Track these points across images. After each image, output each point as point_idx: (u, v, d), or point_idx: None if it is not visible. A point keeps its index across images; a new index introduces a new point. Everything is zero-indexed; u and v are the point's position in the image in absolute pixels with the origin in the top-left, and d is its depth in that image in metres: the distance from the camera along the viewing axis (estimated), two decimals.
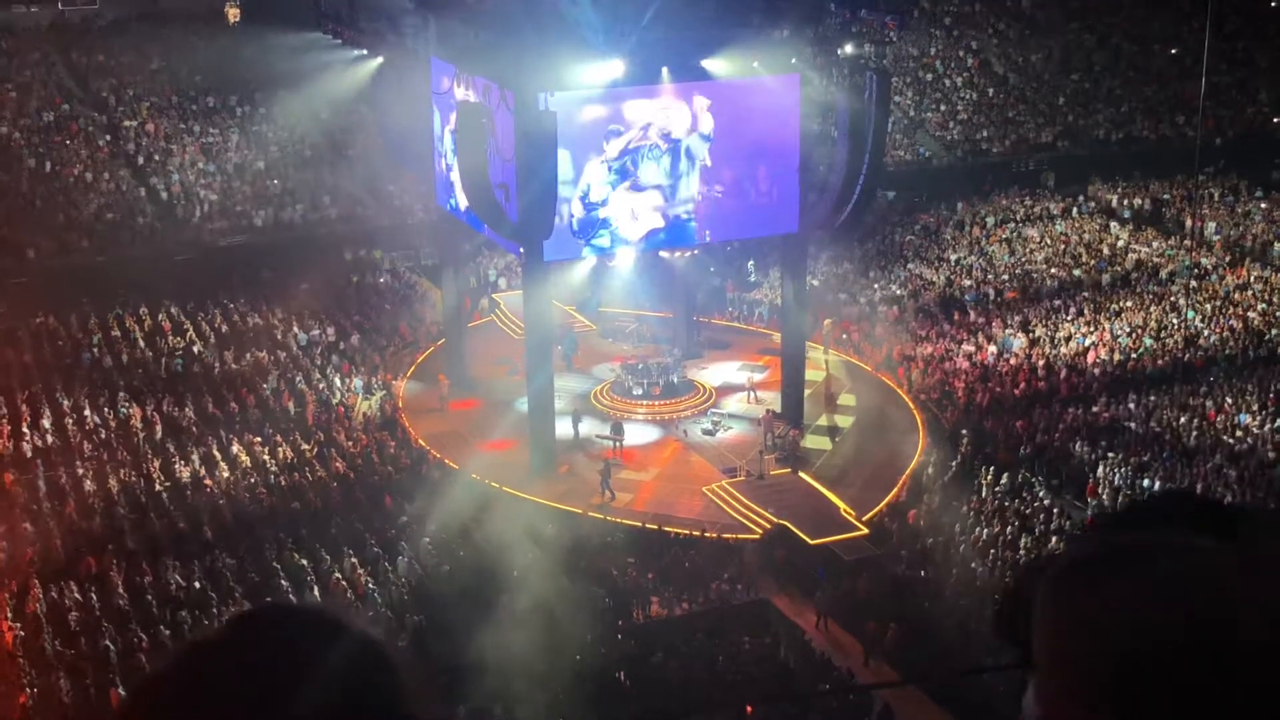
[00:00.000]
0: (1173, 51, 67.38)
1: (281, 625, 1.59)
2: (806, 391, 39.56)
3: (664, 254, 40.19)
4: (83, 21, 58.39)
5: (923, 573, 30.77)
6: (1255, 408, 38.40)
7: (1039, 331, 44.33)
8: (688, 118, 36.16)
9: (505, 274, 48.96)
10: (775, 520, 33.06)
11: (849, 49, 36.69)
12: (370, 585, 29.88)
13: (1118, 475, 34.85)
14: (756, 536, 32.83)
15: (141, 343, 42.47)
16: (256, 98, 53.23)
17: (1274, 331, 44.07)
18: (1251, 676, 1.42)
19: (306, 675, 1.52)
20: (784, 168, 36.99)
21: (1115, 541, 1.57)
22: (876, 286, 48.89)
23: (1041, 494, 34.11)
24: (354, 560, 30.71)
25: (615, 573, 30.76)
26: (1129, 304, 46.80)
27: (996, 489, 33.93)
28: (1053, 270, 50.11)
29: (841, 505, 34.02)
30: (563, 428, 37.21)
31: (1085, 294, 48.05)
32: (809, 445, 37.53)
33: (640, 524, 33.19)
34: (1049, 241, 53.08)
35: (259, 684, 1.51)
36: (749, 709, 25.31)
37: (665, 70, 35.62)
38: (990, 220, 55.45)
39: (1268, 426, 37.19)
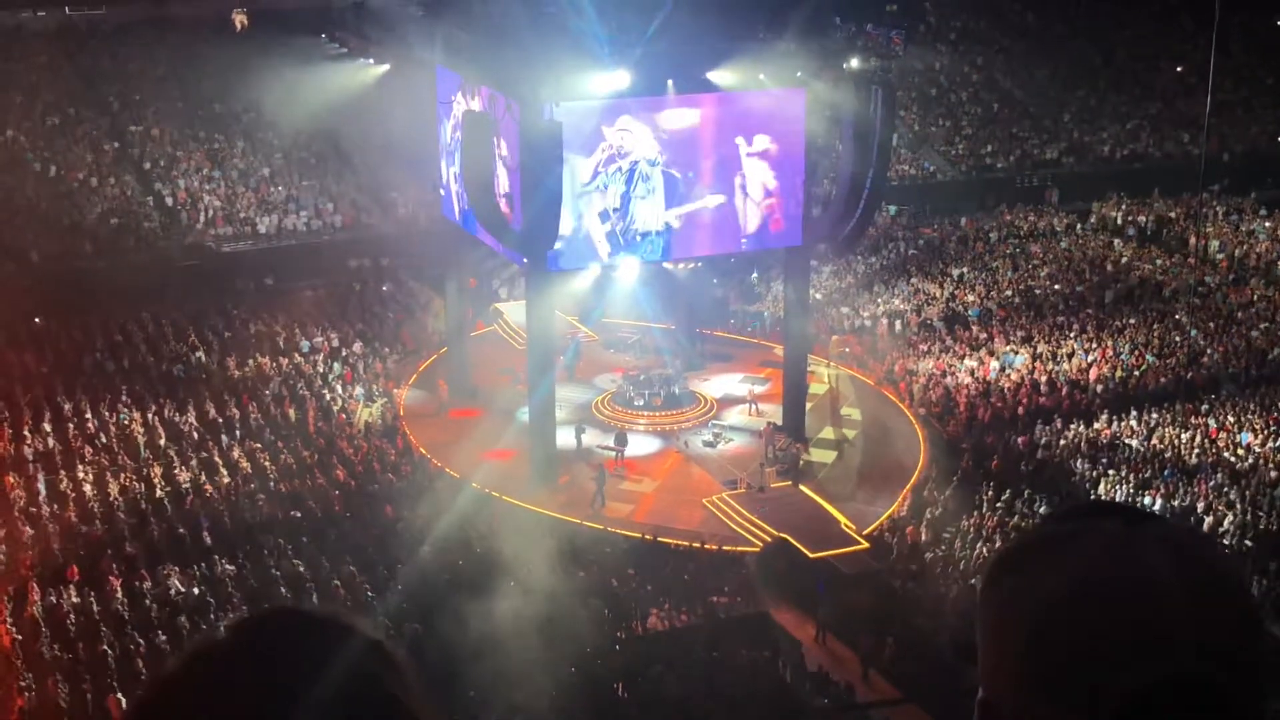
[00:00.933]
0: (1178, 69, 67.44)
1: (288, 628, 1.59)
2: (808, 405, 39.50)
3: (666, 265, 40.18)
4: (89, 26, 58.45)
5: (917, 586, 30.69)
6: (1257, 426, 38.36)
7: (1041, 347, 44.30)
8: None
9: (507, 284, 48.93)
10: (775, 533, 33.01)
11: (854, 63, 36.63)
12: (369, 593, 29.85)
13: (1119, 492, 34.81)
14: (756, 549, 32.78)
15: (144, 348, 42.48)
16: (262, 105, 53.28)
17: (1277, 350, 44.02)
18: (1141, 633, 1.52)
19: (315, 679, 1.51)
20: (788, 181, 36.99)
21: (1030, 535, 1.68)
22: (880, 301, 48.87)
23: (1042, 510, 34.04)
24: (353, 568, 30.68)
25: (614, 584, 30.70)
26: (1132, 321, 46.76)
27: (997, 505, 33.87)
28: (1056, 286, 50.08)
29: (842, 519, 33.97)
30: (566, 438, 37.21)
31: (1088, 310, 48.02)
32: (810, 458, 37.46)
33: (640, 535, 33.15)
34: (1052, 258, 53.06)
35: (267, 688, 1.50)
36: None
37: (670, 82, 35.62)
38: (994, 235, 55.45)
39: (1269, 445, 37.14)
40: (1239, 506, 33.91)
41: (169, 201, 50.62)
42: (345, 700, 1.52)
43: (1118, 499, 34.36)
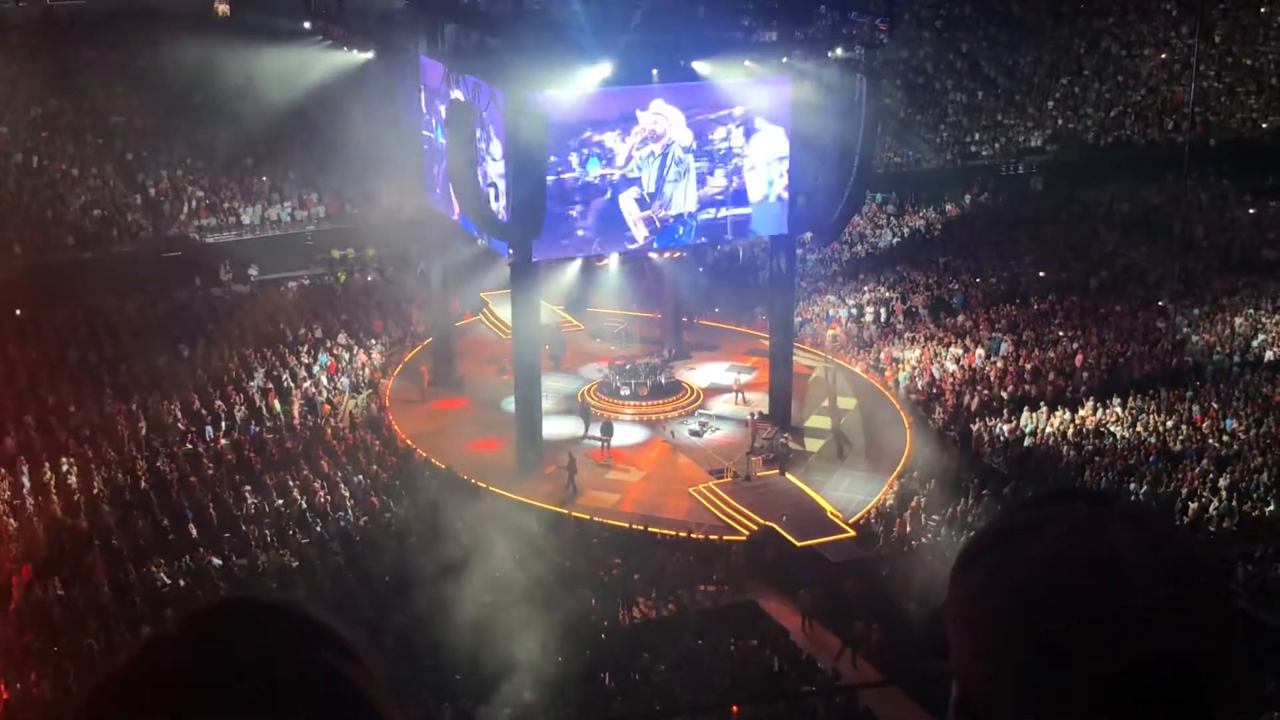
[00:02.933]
0: (1162, 56, 67.53)
1: (243, 618, 1.52)
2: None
3: (652, 255, 40.15)
4: (71, 16, 58.17)
5: (901, 572, 30.73)
6: (1242, 413, 38.48)
7: (1026, 335, 44.37)
8: (677, 120, 36.09)
9: (493, 274, 48.79)
10: (762, 522, 33.02)
11: (839, 51, 36.59)
12: (355, 584, 29.80)
13: (1104, 479, 34.90)
14: (743, 538, 32.79)
15: (127, 339, 42.30)
16: (244, 95, 53.10)
17: (1261, 337, 44.16)
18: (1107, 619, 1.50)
19: (270, 670, 1.46)
20: (773, 170, 36.97)
21: (994, 524, 1.66)
22: (866, 289, 48.89)
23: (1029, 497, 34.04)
24: (339, 559, 30.63)
25: (601, 574, 30.70)
26: (1117, 308, 46.87)
27: (984, 492, 33.92)
28: (1041, 274, 50.13)
29: (828, 507, 34.00)
30: (552, 427, 37.22)
31: (1073, 298, 48.12)
32: (796, 446, 37.46)
33: (627, 525, 33.15)
34: (1037, 245, 53.10)
35: (220, 680, 1.44)
36: (734, 710, 25.25)
37: (655, 72, 35.57)
38: (979, 223, 55.47)
39: (1254, 432, 37.25)
40: (1224, 493, 34.02)
41: (152, 192, 50.42)
42: (302, 691, 1.46)
43: (1103, 486, 34.46)
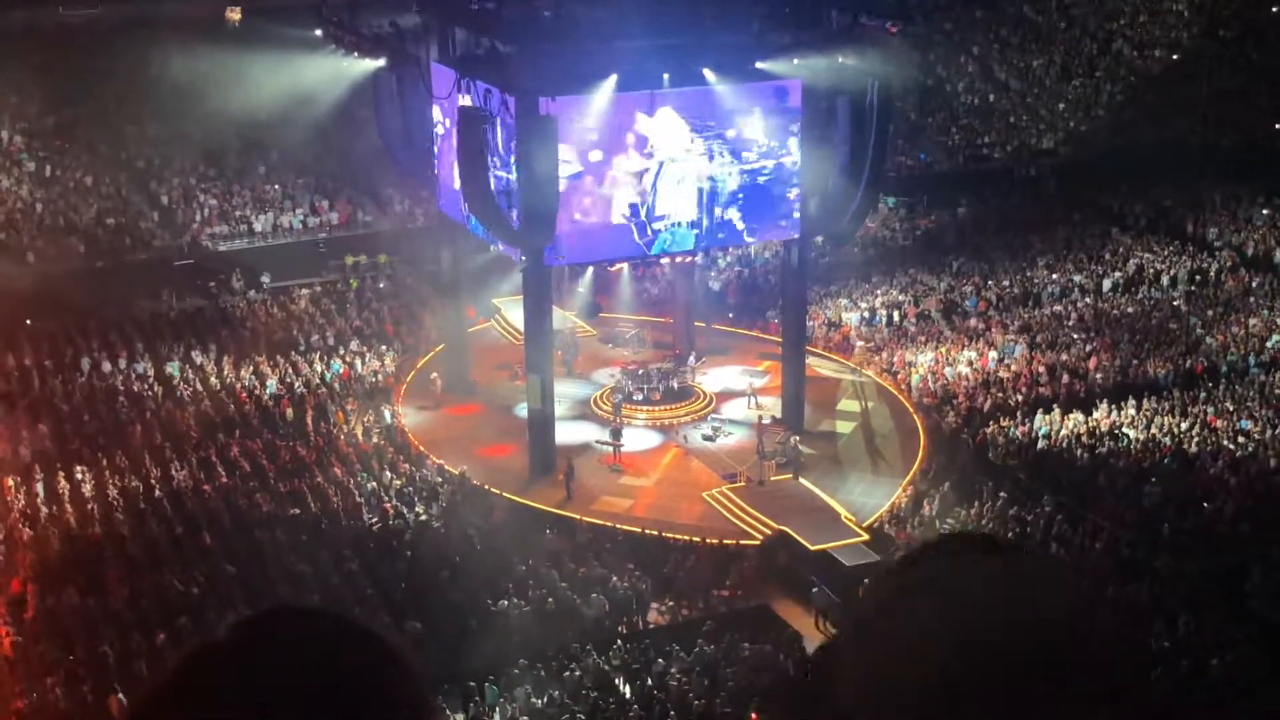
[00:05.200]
0: (1174, 57, 67.33)
1: (289, 627, 1.56)
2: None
3: (664, 260, 40.11)
4: (85, 25, 58.29)
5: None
6: (1257, 414, 38.34)
7: (1040, 338, 44.27)
8: (687, 125, 36.08)
9: (506, 279, 48.77)
10: (776, 526, 32.97)
11: (851, 54, 36.55)
12: (370, 591, 29.82)
13: (1119, 482, 34.78)
14: (757, 542, 32.75)
15: (140, 347, 42.40)
16: (256, 102, 53.22)
17: (1275, 338, 44.00)
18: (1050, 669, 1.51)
19: (317, 677, 1.49)
20: (786, 173, 36.94)
21: (905, 575, 1.64)
22: (878, 292, 48.81)
23: (1044, 500, 34.01)
24: (354, 566, 30.65)
25: (615, 579, 30.68)
26: (1130, 310, 46.75)
27: (999, 495, 33.83)
28: (1054, 276, 50.03)
29: (842, 511, 33.94)
30: (565, 433, 37.25)
31: (1086, 300, 48.01)
32: (808, 450, 37.39)
33: (640, 530, 33.12)
34: (1050, 247, 52.97)
35: (268, 687, 1.47)
36: (754, 717, 25.19)
37: (666, 76, 35.56)
38: (991, 226, 55.34)
39: (1269, 433, 37.11)
40: (1238, 495, 33.87)
41: (164, 201, 50.54)
42: (348, 699, 1.49)
43: (1118, 488, 34.35)
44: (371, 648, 1.55)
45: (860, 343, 44.13)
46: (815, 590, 30.26)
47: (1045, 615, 1.54)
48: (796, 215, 37.43)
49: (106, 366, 40.97)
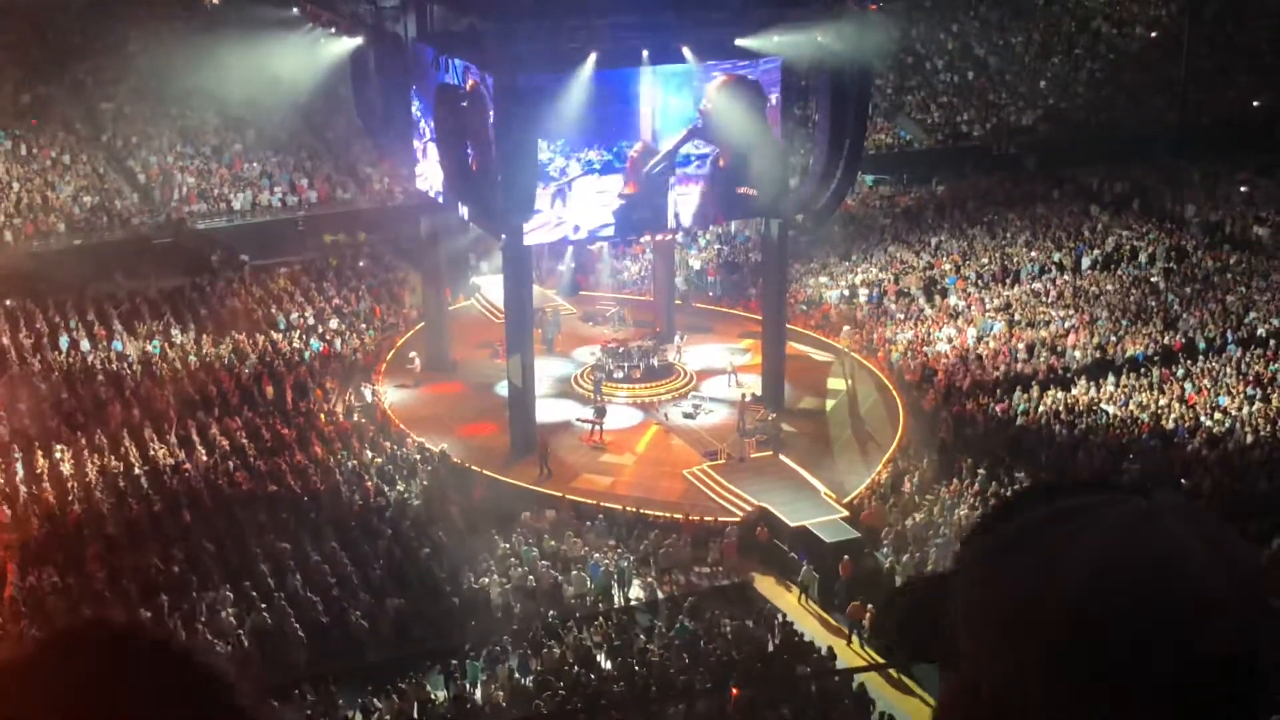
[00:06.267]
0: (1153, 35, 67.46)
1: (100, 646, 1.48)
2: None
3: (645, 238, 40.11)
4: (59, 2, 57.86)
5: (903, 555, 30.79)
6: (1234, 390, 38.54)
7: (1019, 315, 44.40)
8: (667, 102, 36.04)
9: (485, 258, 48.72)
10: (756, 503, 33.06)
11: (830, 31, 36.49)
12: (350, 568, 29.82)
13: (1097, 458, 34.94)
14: (738, 520, 32.83)
15: (119, 326, 42.24)
16: (233, 80, 52.98)
17: (1252, 314, 44.21)
18: (1196, 612, 1.46)
19: (130, 701, 1.42)
20: (765, 151, 36.88)
21: (1030, 513, 1.58)
22: (858, 270, 48.87)
23: (1021, 476, 34.14)
24: (334, 544, 30.63)
25: (596, 556, 30.75)
26: (1109, 287, 46.91)
27: (978, 471, 33.95)
28: (1033, 253, 50.15)
29: (822, 488, 34.04)
30: (551, 410, 37.29)
31: (1065, 277, 48.16)
32: (789, 428, 37.49)
33: (620, 507, 33.17)
34: (1029, 224, 53.09)
35: (70, 709, 1.40)
36: (734, 691, 25.29)
37: (645, 53, 35.45)
38: (970, 203, 55.42)
39: (1246, 409, 37.31)
40: (1216, 470, 34.07)
41: (141, 179, 50.29)
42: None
43: (1097, 465, 34.52)
44: (197, 673, 1.47)
45: (847, 327, 44.09)
46: (806, 569, 30.35)
47: (1184, 562, 1.48)
48: (776, 193, 37.31)
49: (85, 345, 40.81)
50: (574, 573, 30.11)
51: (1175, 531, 1.51)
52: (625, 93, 35.70)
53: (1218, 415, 37.21)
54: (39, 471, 33.42)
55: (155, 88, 53.34)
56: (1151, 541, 1.50)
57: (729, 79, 36.06)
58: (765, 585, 31.04)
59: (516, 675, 26.38)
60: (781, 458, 35.74)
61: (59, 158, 50.17)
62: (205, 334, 41.64)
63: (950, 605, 1.60)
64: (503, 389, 37.80)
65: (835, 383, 41.10)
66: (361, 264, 48.60)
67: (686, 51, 35.68)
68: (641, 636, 28.00)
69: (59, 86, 53.50)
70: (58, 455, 34.02)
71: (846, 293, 46.76)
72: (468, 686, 26.39)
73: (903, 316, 44.78)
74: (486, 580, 29.53)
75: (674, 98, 36.00)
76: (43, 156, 50.10)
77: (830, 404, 39.73)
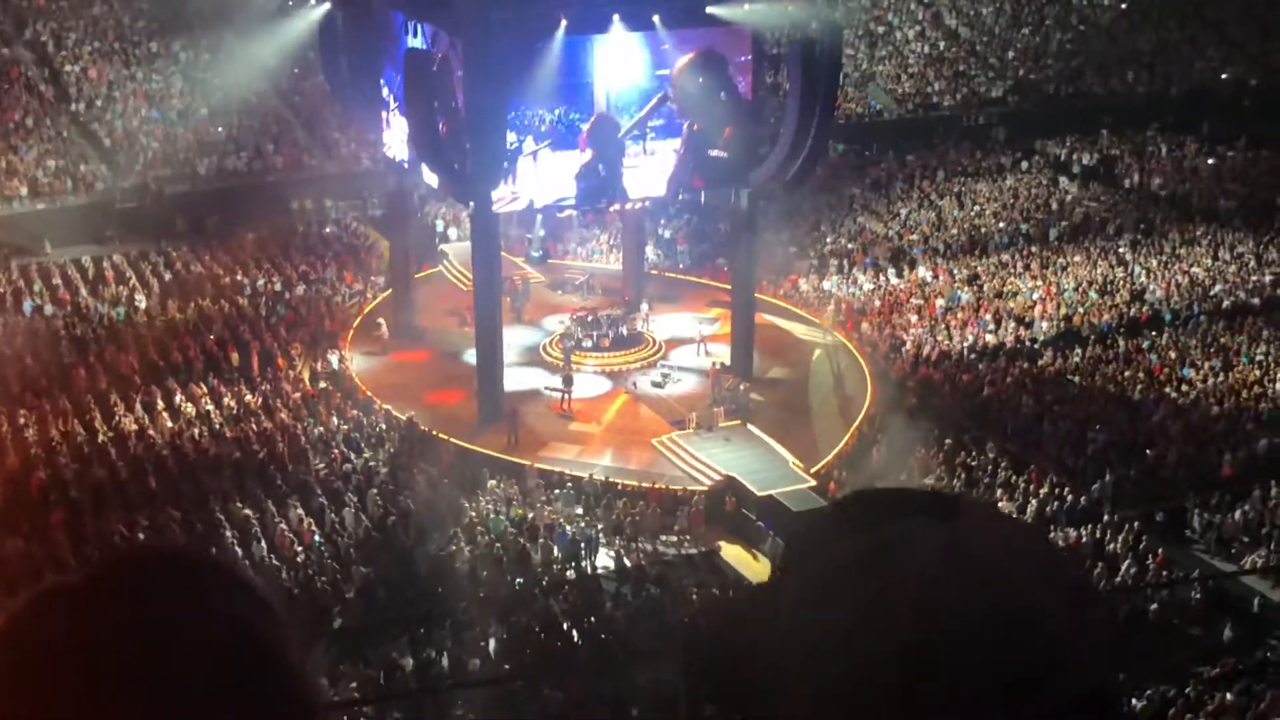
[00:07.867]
0: (1123, 6, 67.52)
1: (150, 567, 1.44)
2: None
3: (615, 207, 39.95)
4: None
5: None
6: (1199, 362, 38.79)
7: (987, 285, 44.53)
8: (635, 70, 35.90)
9: (454, 225, 48.54)
10: (724, 472, 33.11)
11: (801, 1, 36.39)
12: (317, 537, 29.73)
13: (1063, 428, 35.13)
14: (705, 489, 32.88)
15: (84, 291, 41.91)
16: (201, 43, 52.47)
17: (1218, 286, 44.47)
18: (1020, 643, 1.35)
19: (179, 622, 1.38)
20: (735, 120, 36.75)
21: (835, 549, 1.45)
22: (828, 240, 48.88)
23: (988, 447, 34.31)
24: (300, 512, 30.53)
25: (563, 524, 30.77)
26: (1076, 258, 47.09)
27: (944, 441, 34.08)
28: (1001, 225, 50.28)
29: (790, 457, 34.10)
30: (519, 379, 37.23)
31: (1033, 248, 48.30)
32: (758, 397, 37.51)
33: (588, 476, 33.17)
34: (998, 196, 53.21)
35: (124, 631, 1.35)
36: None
37: (616, 18, 35.22)
38: (940, 174, 55.48)
39: (1211, 381, 37.56)
40: (1181, 442, 34.31)
41: (107, 143, 49.76)
42: (214, 645, 1.38)
43: (1063, 434, 34.69)
44: (241, 593, 1.44)
45: (831, 307, 43.91)
46: (772, 539, 30.48)
47: (1023, 600, 1.37)
48: (745, 162, 37.20)
49: (49, 309, 40.45)
50: (541, 541, 30.12)
51: (988, 555, 1.39)
52: (582, 62, 35.54)
53: (1184, 387, 37.45)
54: (3, 436, 33.15)
55: (120, 50, 52.78)
56: (969, 578, 1.37)
57: (696, 54, 35.87)
58: (732, 553, 31.12)
59: (482, 643, 26.39)
60: (750, 426, 35.76)
61: (22, 121, 49.57)
62: (170, 299, 41.33)
63: (759, 663, 1.46)
64: (470, 357, 37.66)
65: (806, 353, 41.11)
66: (327, 230, 48.28)
67: (656, 20, 35.49)
68: (608, 605, 28.05)
69: (22, 48, 52.83)
70: (21, 421, 33.74)
71: (815, 263, 46.68)
72: (434, 654, 26.39)
73: (871, 287, 44.82)
74: (454, 548, 29.51)
75: (630, 67, 35.88)
76: (6, 120, 49.48)
77: (802, 373, 39.76)
